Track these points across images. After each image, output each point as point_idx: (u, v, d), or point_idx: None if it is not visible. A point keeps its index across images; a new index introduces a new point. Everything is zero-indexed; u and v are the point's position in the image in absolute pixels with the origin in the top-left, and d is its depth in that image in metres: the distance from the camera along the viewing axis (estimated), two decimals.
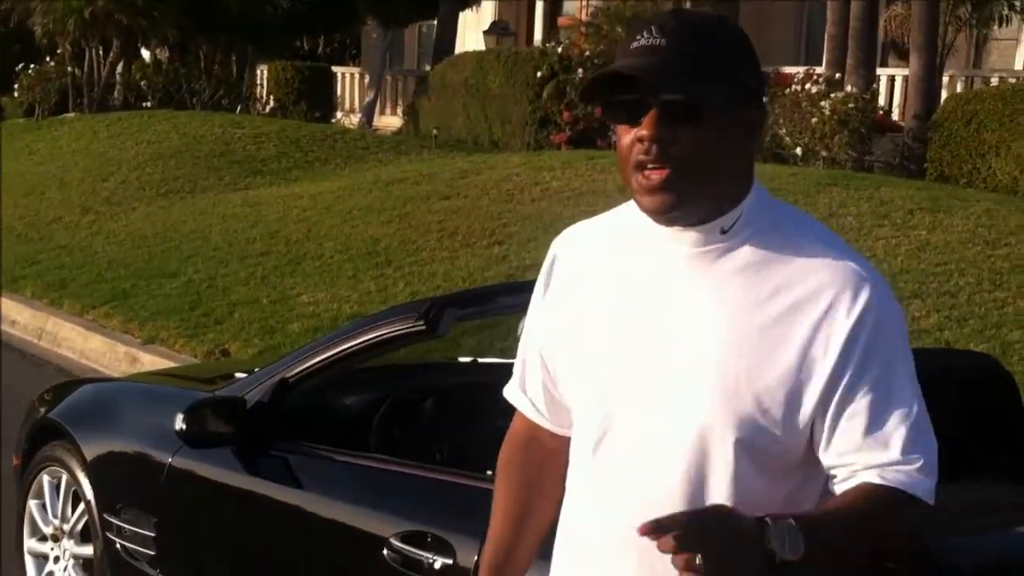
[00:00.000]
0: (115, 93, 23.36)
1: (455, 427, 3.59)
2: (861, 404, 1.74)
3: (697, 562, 1.56)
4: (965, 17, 18.10)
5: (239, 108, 22.95)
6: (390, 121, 24.83)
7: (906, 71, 18.19)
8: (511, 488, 2.12)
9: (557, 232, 2.05)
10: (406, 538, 2.81)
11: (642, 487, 1.81)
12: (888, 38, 20.45)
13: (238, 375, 4.00)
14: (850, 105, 15.49)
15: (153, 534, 3.65)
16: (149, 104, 22.47)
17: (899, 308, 1.82)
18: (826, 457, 1.79)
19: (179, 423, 3.27)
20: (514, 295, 3.23)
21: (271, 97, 24.26)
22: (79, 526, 4.12)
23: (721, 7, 21.70)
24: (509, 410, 2.13)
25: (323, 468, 3.27)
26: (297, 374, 3.35)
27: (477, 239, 10.28)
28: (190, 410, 3.28)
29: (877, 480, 1.74)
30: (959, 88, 18.79)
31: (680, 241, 1.80)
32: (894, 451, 1.75)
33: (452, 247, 10.16)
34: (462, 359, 4.26)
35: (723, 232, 1.78)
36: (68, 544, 4.18)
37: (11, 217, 13.92)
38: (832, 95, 15.60)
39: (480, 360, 4.07)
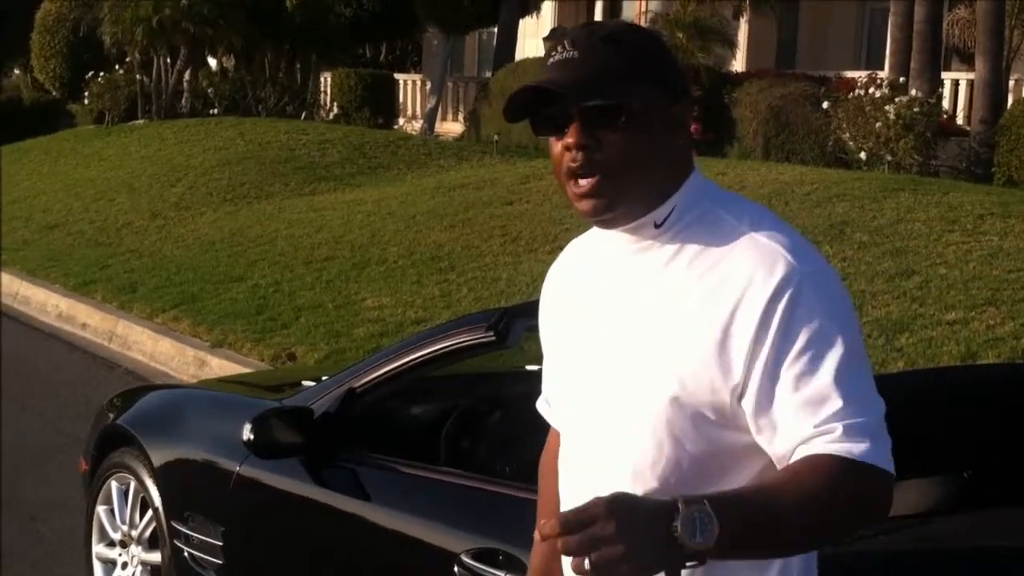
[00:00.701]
0: (182, 100, 23.65)
1: (524, 438, 3.55)
2: (788, 375, 1.70)
3: (586, 566, 1.49)
4: None
5: (303, 115, 23.11)
6: (451, 127, 24.90)
7: (969, 75, 17.97)
8: (548, 497, 2.17)
9: None
10: (478, 555, 2.75)
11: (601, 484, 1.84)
12: (951, 42, 20.19)
13: (304, 383, 4.00)
14: (915, 110, 15.30)
15: (220, 543, 3.65)
16: (216, 111, 22.68)
17: (829, 275, 1.78)
18: (765, 441, 1.75)
19: (247, 433, 3.25)
20: None
21: (335, 104, 24.37)
22: (147, 533, 4.13)
23: (782, 12, 21.58)
24: None
25: (392, 480, 3.22)
26: (365, 384, 3.33)
27: (540, 244, 10.26)
28: (258, 420, 3.25)
29: (817, 450, 1.67)
30: None
31: (620, 241, 1.87)
32: (830, 417, 1.67)
33: (515, 252, 10.15)
34: (529, 367, 4.20)
35: (657, 226, 1.83)
36: (136, 551, 4.19)
37: (82, 222, 14.13)
38: (896, 99, 15.42)
39: None
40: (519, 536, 2.69)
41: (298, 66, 25.29)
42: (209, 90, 23.53)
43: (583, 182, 1.79)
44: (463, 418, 3.58)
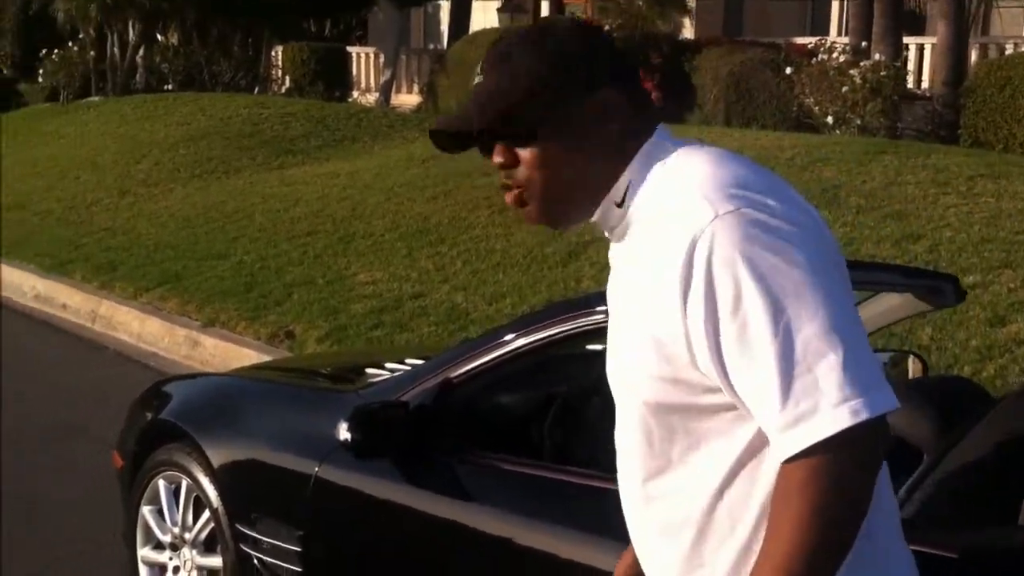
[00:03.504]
0: (137, 76, 23.13)
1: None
2: (723, 355, 1.59)
3: None
4: None
5: (256, 89, 22.72)
6: (407, 99, 24.59)
7: (925, 39, 18.02)
8: None
9: None
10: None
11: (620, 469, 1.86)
12: (906, 8, 20.28)
13: (370, 371, 3.77)
14: (882, 73, 15.29)
15: (298, 548, 3.41)
16: (170, 87, 22.22)
17: (748, 215, 1.59)
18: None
19: (344, 432, 3.00)
20: None
21: (287, 78, 24.02)
22: (203, 535, 3.85)
23: None
24: None
25: (505, 481, 2.97)
26: (463, 374, 3.10)
27: None
28: (355, 418, 3.00)
29: (780, 458, 1.56)
30: (974, 55, 18.59)
31: (602, 226, 1.81)
32: (769, 404, 1.55)
33: (505, 223, 9.92)
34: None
35: (619, 205, 1.76)
36: (190, 554, 3.91)
37: (48, 200, 13.70)
38: (861, 64, 15.41)
39: None
40: None
41: (250, 40, 24.85)
42: (163, 66, 23.02)
43: (511, 196, 1.77)
44: (563, 407, 3.35)
